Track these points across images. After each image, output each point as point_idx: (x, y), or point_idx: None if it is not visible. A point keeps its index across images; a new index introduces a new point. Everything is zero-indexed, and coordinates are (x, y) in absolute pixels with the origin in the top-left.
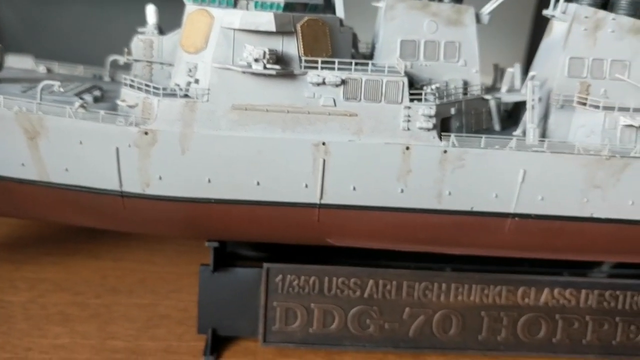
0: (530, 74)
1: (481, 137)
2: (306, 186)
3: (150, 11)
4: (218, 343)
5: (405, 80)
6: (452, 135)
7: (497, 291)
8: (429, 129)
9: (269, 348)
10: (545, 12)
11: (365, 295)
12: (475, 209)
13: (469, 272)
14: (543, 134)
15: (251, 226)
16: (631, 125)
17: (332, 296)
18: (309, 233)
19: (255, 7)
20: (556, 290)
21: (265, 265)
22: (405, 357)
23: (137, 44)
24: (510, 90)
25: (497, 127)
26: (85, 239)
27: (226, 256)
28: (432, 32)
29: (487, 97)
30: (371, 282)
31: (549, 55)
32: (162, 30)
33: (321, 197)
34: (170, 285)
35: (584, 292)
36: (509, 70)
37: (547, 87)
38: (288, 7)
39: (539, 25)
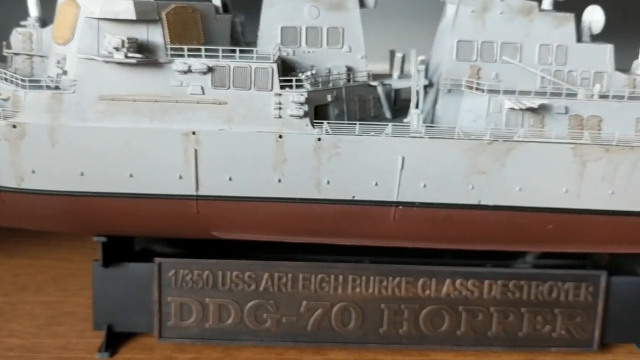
0: (419, 58)
1: (356, 124)
2: (180, 177)
3: (32, 3)
4: (115, 339)
5: (275, 66)
6: (325, 122)
7: (396, 283)
8: (300, 117)
9: (166, 344)
10: None
11: (261, 289)
12: (358, 197)
13: (365, 263)
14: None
15: (131, 220)
16: (516, 109)
17: (226, 290)
18: (192, 226)
19: None
20: (458, 282)
21: (157, 260)
22: (306, 352)
23: (15, 37)
24: (407, 76)
25: (387, 114)
26: (2, 237)
27: (133, 252)
28: (314, 17)
29: (374, 83)
30: (266, 275)
31: (442, 40)
32: (45, 22)
33: (197, 189)
34: (82, 282)
35: (486, 282)
36: (398, 55)
37: (439, 72)
38: None
39: None
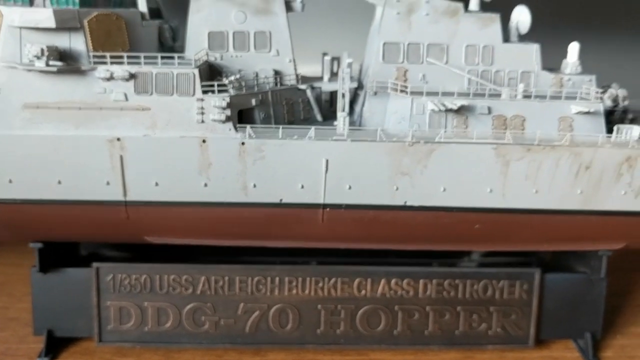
0: (347, 61)
1: (279, 128)
2: (108, 183)
3: None
4: (56, 344)
5: (197, 72)
6: (248, 126)
7: (332, 283)
8: (223, 121)
9: (107, 347)
10: None
11: (198, 292)
12: (285, 200)
13: (301, 264)
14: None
15: (64, 226)
16: (439, 110)
17: (164, 294)
18: (124, 231)
19: (52, 3)
20: (393, 281)
21: (95, 264)
22: (245, 353)
23: None
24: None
25: (318, 117)
26: None
27: (78, 257)
28: (241, 22)
29: (302, 86)
30: (203, 278)
31: (372, 42)
32: None
33: (125, 194)
34: (28, 287)
35: (422, 282)
36: (326, 58)
37: (368, 74)
38: (86, 3)
39: None
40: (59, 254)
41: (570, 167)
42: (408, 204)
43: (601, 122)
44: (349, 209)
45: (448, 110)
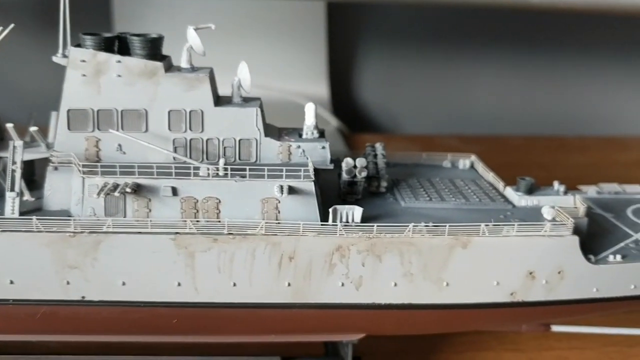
0: (31, 129)
1: None
2: None
3: None
4: None
5: None
6: None
7: None
8: None
9: None
10: (54, 57)
11: None
12: None
13: None
14: None
15: None
16: (110, 193)
17: None
18: None
19: None
20: None
21: None
22: None
23: None
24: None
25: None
26: None
27: None
28: None
29: None
30: None
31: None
32: None
33: None
34: None
35: None
36: (9, 125)
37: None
38: None
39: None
40: None
41: (270, 258)
42: (87, 298)
43: (314, 202)
44: (18, 304)
45: (127, 192)
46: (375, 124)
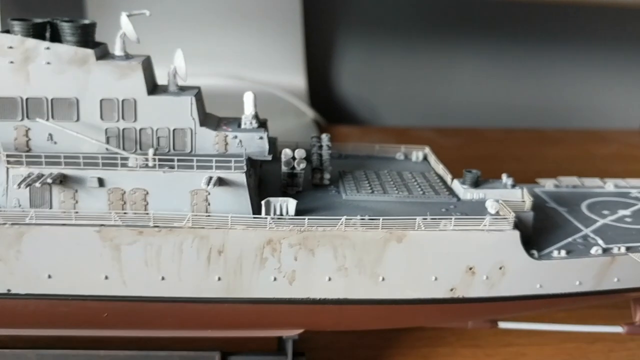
0: None
1: None
2: None
3: None
4: None
5: None
6: None
7: None
8: None
9: None
10: None
11: None
12: None
13: None
14: None
15: None
16: (33, 183)
17: None
18: None
19: None
20: None
21: None
22: None
23: None
24: None
25: None
26: None
27: None
28: None
29: None
30: None
31: None
32: None
33: None
34: None
35: None
36: None
37: None
38: None
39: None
40: None
41: (198, 252)
42: (13, 291)
43: (245, 194)
44: None
45: (53, 183)
46: (353, 115)
